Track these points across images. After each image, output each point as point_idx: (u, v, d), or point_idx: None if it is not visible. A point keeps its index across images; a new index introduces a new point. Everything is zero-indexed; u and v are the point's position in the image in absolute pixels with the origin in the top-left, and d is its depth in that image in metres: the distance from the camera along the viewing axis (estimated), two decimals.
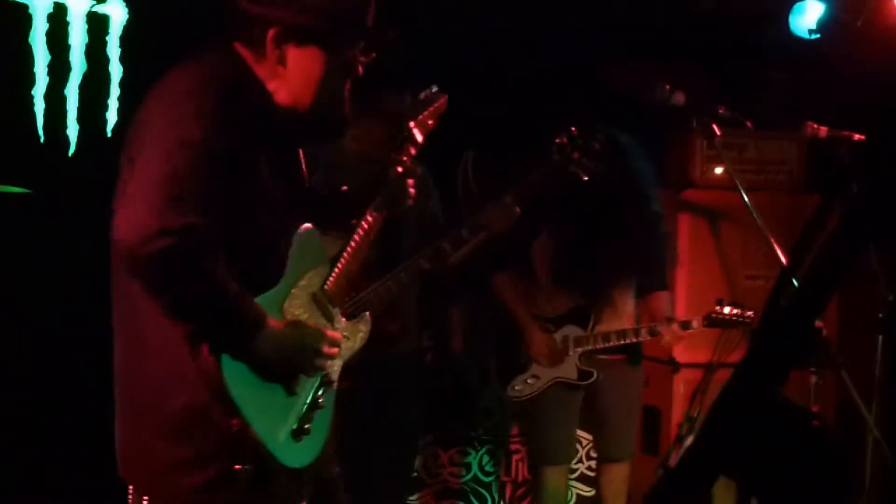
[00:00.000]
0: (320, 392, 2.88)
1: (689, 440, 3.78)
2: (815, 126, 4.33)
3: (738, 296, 5.07)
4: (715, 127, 4.24)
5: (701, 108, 4.31)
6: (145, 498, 2.76)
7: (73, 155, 4.58)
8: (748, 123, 4.24)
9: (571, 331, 4.67)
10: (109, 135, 4.57)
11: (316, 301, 2.92)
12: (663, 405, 5.33)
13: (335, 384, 2.96)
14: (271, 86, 2.81)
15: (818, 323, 3.03)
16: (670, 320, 4.69)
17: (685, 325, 4.69)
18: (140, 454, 2.75)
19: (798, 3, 4.96)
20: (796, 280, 1.43)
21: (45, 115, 4.44)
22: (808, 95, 5.67)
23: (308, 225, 2.91)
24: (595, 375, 4.68)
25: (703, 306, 4.93)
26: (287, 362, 2.75)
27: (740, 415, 1.33)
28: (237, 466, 2.65)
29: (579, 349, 4.64)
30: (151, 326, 2.65)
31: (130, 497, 2.80)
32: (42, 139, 4.48)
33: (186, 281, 2.55)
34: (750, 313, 4.57)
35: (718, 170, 5.25)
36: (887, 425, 4.50)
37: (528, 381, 4.66)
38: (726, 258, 5.17)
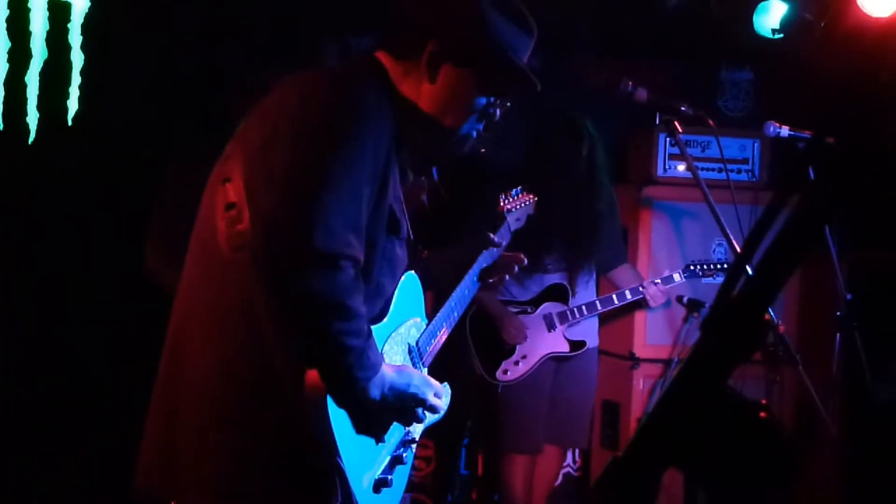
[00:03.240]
0: (403, 448, 2.82)
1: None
2: (777, 125, 4.35)
3: (700, 293, 5.12)
4: (677, 124, 4.26)
5: (663, 104, 4.33)
6: None
7: (32, 143, 4.52)
8: (710, 121, 4.26)
9: (553, 307, 4.72)
10: (70, 123, 4.52)
11: (410, 353, 2.87)
12: (622, 400, 5.34)
13: (415, 446, 2.89)
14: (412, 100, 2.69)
15: (769, 317, 3.08)
16: (650, 282, 4.83)
17: (667, 280, 4.85)
18: (206, 470, 2.56)
19: (762, 3, 4.97)
20: (748, 272, 1.42)
21: (5, 103, 4.38)
22: (770, 94, 5.70)
23: (412, 271, 2.87)
24: (587, 343, 4.73)
25: (666, 301, 4.97)
26: (391, 408, 2.63)
27: (687, 405, 1.33)
28: None
29: (565, 324, 4.69)
30: (269, 347, 2.50)
31: None
32: (1, 127, 4.43)
33: (335, 316, 2.42)
34: (728, 263, 4.79)
35: (680, 167, 5.26)
36: (845, 422, 4.52)
37: (517, 362, 4.65)
38: (688, 255, 5.19)
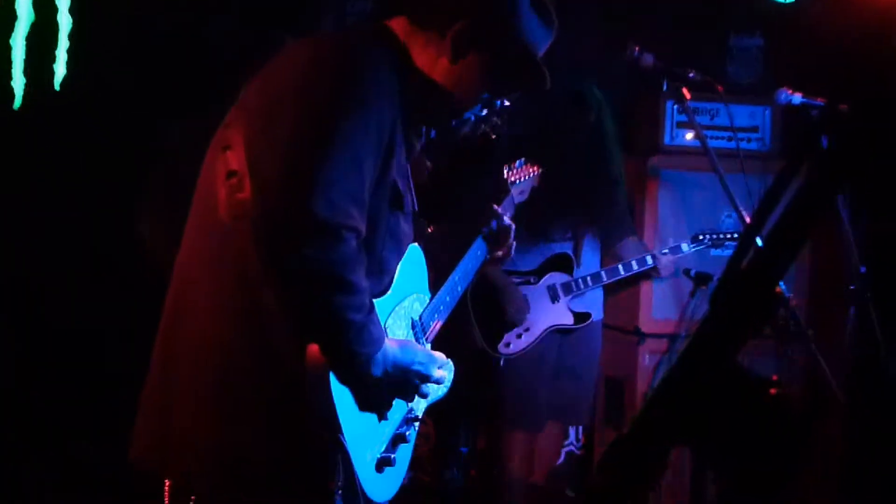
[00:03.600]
0: (405, 426, 2.83)
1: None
2: (790, 91, 4.33)
3: (708, 265, 5.10)
4: (685, 91, 4.23)
5: (671, 70, 4.31)
6: (192, 497, 2.63)
7: (18, 108, 4.50)
8: (719, 88, 4.23)
9: (556, 278, 4.71)
10: (57, 88, 4.50)
11: (413, 328, 2.87)
12: (627, 376, 5.34)
13: (418, 424, 2.89)
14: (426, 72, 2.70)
15: (779, 290, 3.07)
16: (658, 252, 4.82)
17: (675, 250, 4.84)
18: (204, 443, 2.57)
19: None
20: (757, 243, 1.41)
21: None
22: (781, 61, 5.66)
23: (416, 244, 2.87)
24: (592, 316, 4.72)
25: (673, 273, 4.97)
26: (394, 385, 2.65)
27: (695, 381, 1.32)
28: (331, 484, 2.53)
29: (569, 295, 4.67)
30: (269, 318, 2.51)
31: (168, 495, 2.70)
32: None
33: (336, 289, 2.43)
34: (738, 233, 4.79)
35: (688, 135, 5.24)
36: (857, 398, 4.52)
37: (520, 335, 4.64)
38: (696, 227, 5.17)
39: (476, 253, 3.32)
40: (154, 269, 2.80)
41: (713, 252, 5.07)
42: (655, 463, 1.36)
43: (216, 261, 2.60)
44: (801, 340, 4.38)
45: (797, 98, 4.32)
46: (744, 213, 4.04)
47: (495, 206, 3.35)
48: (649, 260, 4.79)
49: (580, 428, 5.57)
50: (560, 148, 4.56)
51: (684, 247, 4.87)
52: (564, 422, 4.97)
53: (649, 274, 4.90)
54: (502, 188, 3.65)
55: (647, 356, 5.32)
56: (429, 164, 4.17)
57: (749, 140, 5.33)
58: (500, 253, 3.33)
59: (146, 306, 2.78)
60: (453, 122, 2.82)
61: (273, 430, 2.54)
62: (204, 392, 2.57)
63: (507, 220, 3.29)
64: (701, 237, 4.90)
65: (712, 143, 4.43)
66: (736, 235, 4.92)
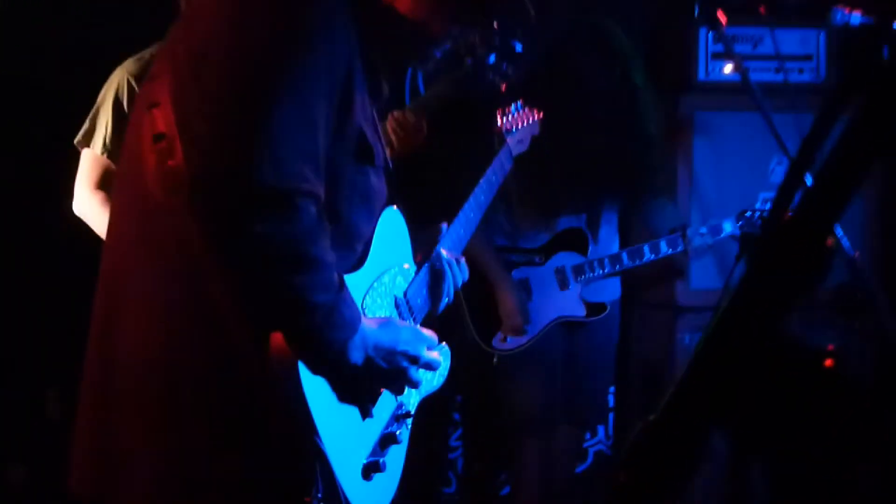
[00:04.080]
0: (395, 424, 2.82)
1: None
2: (846, 10, 4.31)
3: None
4: (721, 14, 4.21)
5: None
6: None
7: None
8: (762, 9, 4.22)
9: (567, 259, 4.66)
10: None
11: (398, 307, 2.86)
12: (663, 359, 5.34)
13: (411, 419, 2.89)
14: None
15: (833, 241, 3.03)
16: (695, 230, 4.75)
17: (715, 230, 4.78)
18: (153, 467, 2.54)
19: None
20: (806, 184, 1.40)
21: None
22: None
23: (394, 206, 2.85)
24: (608, 308, 4.68)
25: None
26: (378, 373, 2.62)
27: (734, 353, 1.31)
28: (307, 499, 2.53)
29: (581, 278, 4.63)
30: (220, 309, 2.48)
31: None
32: None
33: (295, 269, 2.40)
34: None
35: (727, 68, 5.22)
36: None
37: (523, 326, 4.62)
38: (738, 177, 5.16)
39: (469, 216, 3.32)
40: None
41: (763, 208, 5.05)
42: (690, 454, 1.35)
43: (151, 245, 2.57)
44: (866, 305, 4.36)
45: (856, 17, 4.29)
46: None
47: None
48: (683, 239, 4.72)
49: (610, 423, 5.58)
50: (577, 102, 4.54)
51: (727, 226, 4.80)
52: (583, 422, 4.95)
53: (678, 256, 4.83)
54: (496, 138, 3.64)
55: (688, 335, 5.31)
56: (424, 125, 4.18)
57: (800, 71, 5.31)
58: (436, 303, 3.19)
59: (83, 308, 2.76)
60: (435, 54, 2.80)
61: (234, 441, 2.52)
62: (149, 403, 2.55)
63: (444, 256, 3.16)
64: (748, 214, 4.80)
65: (755, 77, 4.39)
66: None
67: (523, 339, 4.59)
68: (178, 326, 2.54)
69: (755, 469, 1.37)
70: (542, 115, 3.88)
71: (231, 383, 2.51)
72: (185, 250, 2.51)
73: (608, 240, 4.77)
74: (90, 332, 2.69)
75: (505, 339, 4.58)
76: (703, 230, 4.79)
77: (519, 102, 3.81)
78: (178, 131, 2.49)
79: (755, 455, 1.37)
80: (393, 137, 4.12)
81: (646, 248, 4.73)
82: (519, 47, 3.94)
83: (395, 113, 4.23)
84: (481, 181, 3.48)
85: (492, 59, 3.94)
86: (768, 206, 4.88)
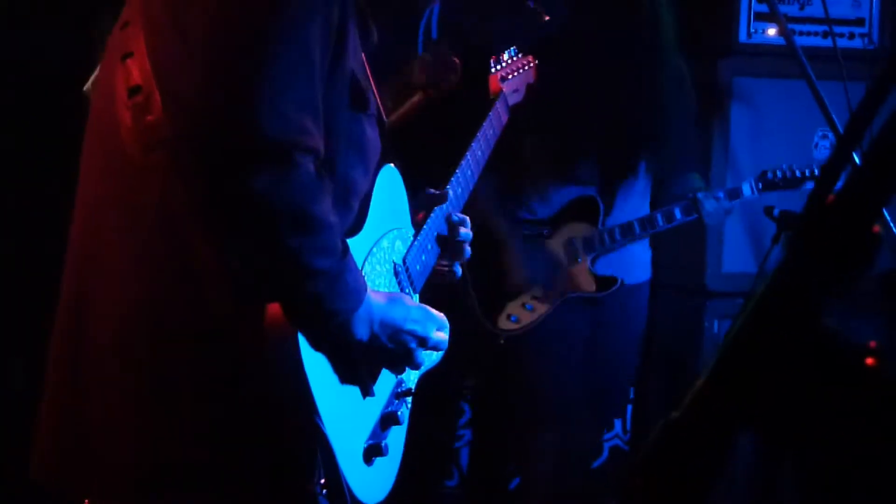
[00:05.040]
0: (396, 403, 2.83)
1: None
2: None
3: (794, 199, 5.07)
4: None
5: None
6: None
7: None
8: None
9: (576, 230, 4.65)
10: None
11: (397, 275, 2.87)
12: (691, 349, 5.34)
13: (412, 397, 2.90)
14: None
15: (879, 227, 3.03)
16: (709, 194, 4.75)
17: (732, 194, 4.77)
18: (130, 454, 2.53)
19: None
20: (852, 163, 1.39)
21: None
22: None
23: (391, 164, 2.85)
24: (619, 283, 4.66)
25: (750, 213, 4.94)
26: (381, 351, 2.63)
27: (767, 345, 1.31)
28: (308, 486, 2.54)
29: (592, 252, 4.64)
30: (206, 277, 2.48)
31: None
32: None
33: (296, 230, 2.38)
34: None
35: (770, 30, 5.21)
36: None
37: (527, 305, 4.61)
38: (778, 151, 5.15)
39: (466, 173, 3.31)
40: None
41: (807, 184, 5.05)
42: (716, 455, 1.35)
43: (128, 206, 2.56)
44: None
45: None
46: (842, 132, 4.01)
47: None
48: (699, 205, 4.70)
49: (628, 417, 5.59)
50: (595, 52, 4.52)
51: (746, 189, 4.79)
52: (602, 415, 4.95)
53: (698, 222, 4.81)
54: (491, 88, 3.63)
55: (717, 322, 5.32)
56: (457, 59, 4.17)
57: (851, 36, 5.30)
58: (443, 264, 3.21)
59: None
60: None
61: (224, 425, 2.51)
62: (127, 385, 2.54)
63: (458, 220, 3.18)
64: (770, 175, 4.81)
65: (802, 41, 4.39)
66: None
67: (532, 318, 4.57)
68: (161, 296, 2.53)
69: (785, 473, 1.36)
70: (536, 61, 3.87)
71: (221, 358, 2.51)
72: (166, 211, 2.50)
73: (629, 207, 4.73)
74: (59, 308, 2.68)
75: (510, 318, 4.57)
76: (720, 194, 4.78)
77: (513, 48, 3.79)
78: (156, 84, 2.48)
79: (785, 458, 1.37)
80: (423, 77, 4.10)
81: (658, 217, 4.71)
82: None
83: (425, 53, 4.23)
84: (477, 135, 3.48)
85: None
86: (790, 172, 4.85)
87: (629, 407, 5.60)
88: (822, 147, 5.24)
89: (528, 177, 4.63)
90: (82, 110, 3.24)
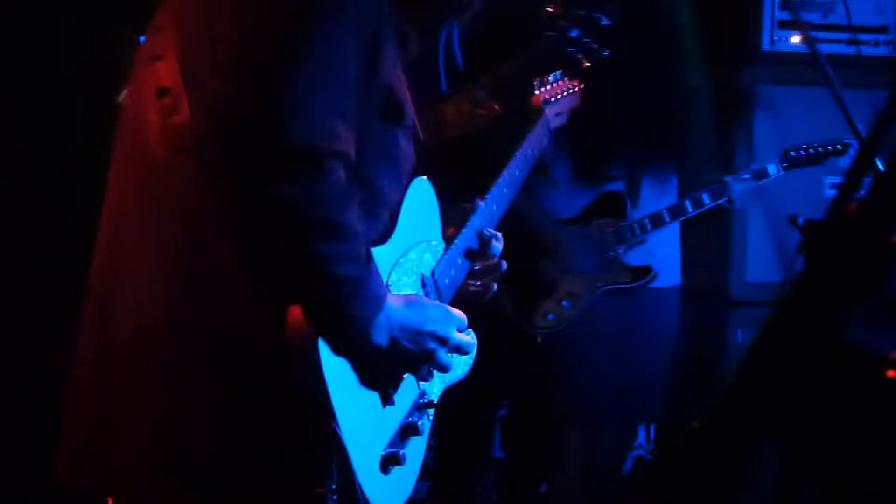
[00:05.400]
0: (417, 414, 2.83)
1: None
2: None
3: (819, 208, 5.06)
4: None
5: None
6: None
7: None
8: None
9: (605, 225, 4.65)
10: None
11: (424, 286, 2.87)
12: (715, 358, 5.33)
13: (434, 410, 2.90)
14: None
15: None
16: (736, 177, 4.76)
17: (759, 174, 4.78)
18: (154, 454, 2.55)
19: None
20: (875, 171, 1.39)
21: None
22: None
23: (424, 177, 2.86)
24: (654, 273, 4.66)
25: (774, 222, 4.93)
26: (402, 355, 2.63)
27: (788, 357, 1.31)
28: (319, 490, 2.53)
29: (622, 246, 4.63)
30: (229, 280, 2.49)
31: None
32: None
33: (322, 236, 2.39)
34: (847, 141, 4.67)
35: (794, 38, 5.20)
36: None
37: (563, 301, 4.60)
38: None
39: (502, 191, 3.32)
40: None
41: (828, 193, 5.04)
42: (737, 467, 1.35)
43: (153, 207, 2.58)
44: None
45: None
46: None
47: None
48: (725, 190, 4.71)
49: (652, 426, 5.58)
50: (615, 48, 4.52)
51: (771, 168, 4.77)
52: (632, 418, 4.95)
53: (723, 209, 4.79)
54: (532, 111, 3.64)
55: (741, 331, 5.31)
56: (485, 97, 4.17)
57: (875, 43, 5.29)
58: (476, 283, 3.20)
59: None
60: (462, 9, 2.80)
61: (243, 427, 2.52)
62: (151, 387, 2.55)
63: (490, 236, 3.17)
64: (793, 153, 4.80)
65: (826, 49, 4.37)
66: (842, 146, 4.81)
67: (568, 315, 4.56)
68: (184, 296, 2.54)
69: (808, 485, 1.37)
70: (582, 85, 3.87)
71: (241, 360, 2.52)
72: (190, 213, 2.51)
73: (656, 199, 4.73)
74: (83, 308, 2.69)
75: (546, 316, 4.56)
76: (746, 175, 4.78)
77: (558, 72, 3.80)
78: (185, 85, 2.50)
79: (809, 470, 1.37)
80: (455, 119, 4.12)
81: (687, 203, 4.68)
82: (605, 20, 3.95)
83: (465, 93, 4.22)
84: (516, 155, 3.48)
85: (574, 32, 3.95)
86: (813, 149, 4.83)
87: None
88: (846, 155, 5.19)
89: (551, 179, 4.64)
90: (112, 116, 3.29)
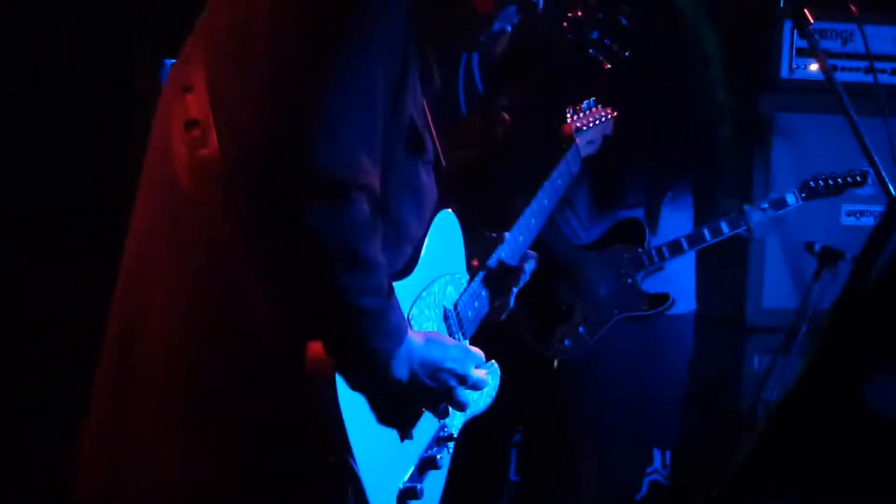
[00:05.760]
0: (436, 448, 2.84)
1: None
2: None
3: (836, 235, 5.07)
4: (807, 12, 4.20)
5: None
6: None
7: None
8: (853, 7, 4.20)
9: (622, 252, 4.65)
10: None
11: (447, 320, 2.88)
12: (730, 383, 5.33)
13: (454, 443, 2.91)
14: None
15: None
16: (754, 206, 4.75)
17: (778, 205, 4.78)
18: (174, 482, 2.57)
19: None
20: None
21: None
22: None
23: (448, 209, 2.87)
24: (671, 300, 4.67)
25: (791, 249, 4.91)
26: (421, 390, 2.64)
27: (811, 421, 1.33)
28: None
29: (640, 273, 4.64)
30: (251, 310, 2.51)
31: None
32: None
33: (345, 267, 2.40)
34: (865, 171, 4.65)
35: (813, 66, 5.20)
36: None
37: (579, 327, 4.61)
38: None
39: (530, 222, 3.32)
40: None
41: (845, 221, 5.04)
42: None
43: (177, 240, 2.60)
44: None
45: None
46: (883, 171, 3.98)
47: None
48: (744, 220, 4.71)
49: (667, 452, 5.57)
50: (637, 68, 4.52)
51: (790, 199, 4.79)
52: (647, 442, 4.95)
53: (740, 238, 4.78)
54: (564, 139, 3.64)
55: (757, 357, 5.31)
56: (506, 116, 4.18)
57: (893, 72, 5.29)
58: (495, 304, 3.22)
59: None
60: (482, 38, 2.81)
61: (262, 461, 2.54)
62: (169, 414, 2.58)
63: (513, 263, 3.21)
64: (813, 183, 4.81)
65: (844, 77, 4.38)
66: (863, 175, 4.81)
67: (585, 341, 4.56)
68: (206, 327, 2.56)
69: None
70: (615, 113, 3.87)
71: (260, 394, 2.53)
72: (215, 245, 2.53)
73: (675, 226, 4.74)
74: (106, 334, 2.71)
75: (563, 341, 4.57)
76: (764, 205, 4.79)
77: (592, 99, 3.80)
78: (214, 118, 2.52)
79: None
80: (473, 135, 4.13)
81: (706, 232, 4.69)
82: (625, 21, 3.95)
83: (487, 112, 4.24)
84: (545, 184, 3.49)
85: (595, 34, 3.95)
86: (832, 180, 4.85)
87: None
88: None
89: (568, 204, 4.64)
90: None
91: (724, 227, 4.71)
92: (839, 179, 4.83)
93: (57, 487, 2.80)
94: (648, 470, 5.51)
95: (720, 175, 4.94)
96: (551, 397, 4.70)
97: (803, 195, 4.80)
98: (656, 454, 5.57)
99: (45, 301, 4.28)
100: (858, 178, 4.82)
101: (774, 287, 5.30)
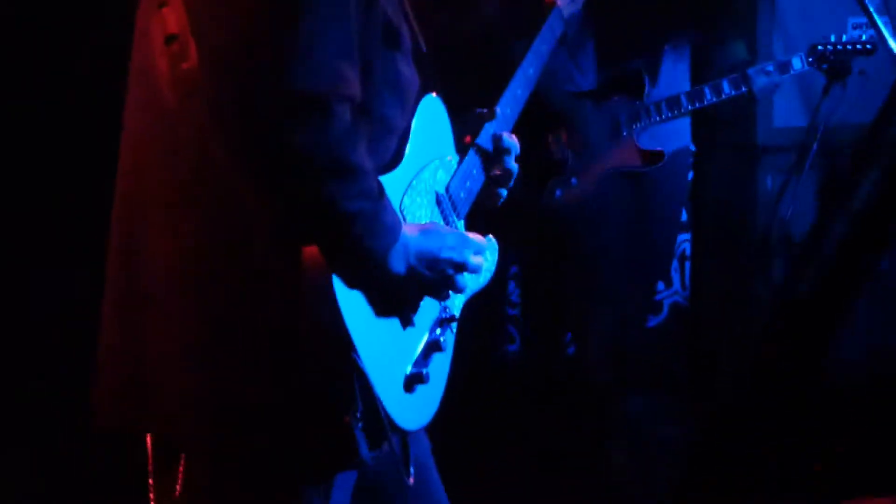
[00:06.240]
0: (439, 330, 2.87)
1: None
2: None
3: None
4: None
5: None
6: (182, 455, 2.69)
7: None
8: None
9: (620, 104, 4.63)
10: None
11: (440, 204, 2.90)
12: (744, 206, 5.37)
13: (456, 323, 2.94)
14: None
15: None
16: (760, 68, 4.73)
17: (783, 68, 4.76)
18: (187, 389, 2.61)
19: None
20: None
21: None
22: None
23: (433, 94, 2.86)
24: (665, 156, 4.65)
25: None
26: (420, 282, 2.67)
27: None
28: (346, 419, 2.57)
29: (636, 125, 4.61)
30: (248, 220, 2.53)
31: (151, 453, 2.76)
32: None
33: (333, 177, 2.41)
34: (875, 40, 4.66)
35: None
36: None
37: (572, 180, 4.61)
38: (825, 3, 5.10)
39: (515, 93, 3.30)
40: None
41: (851, 33, 5.01)
42: None
43: (168, 150, 2.61)
44: None
45: None
46: (881, 22, 3.86)
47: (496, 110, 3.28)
48: (746, 80, 4.66)
49: (686, 273, 5.61)
50: None
51: (796, 63, 4.75)
52: (647, 277, 4.99)
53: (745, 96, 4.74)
54: (544, 6, 3.60)
55: (770, 177, 5.33)
56: None
57: None
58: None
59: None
60: None
61: (267, 362, 2.59)
62: (180, 329, 2.62)
63: (507, 140, 3.14)
64: (821, 48, 4.79)
65: None
66: (873, 44, 4.77)
67: (575, 193, 4.58)
68: (201, 240, 2.59)
69: None
70: None
71: (262, 301, 2.57)
72: (205, 158, 2.53)
73: (675, 80, 4.75)
74: (108, 255, 2.75)
75: (554, 194, 4.59)
76: (769, 68, 4.74)
77: None
78: (191, 33, 2.50)
79: None
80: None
81: (706, 90, 4.66)
82: None
83: None
84: (528, 53, 3.44)
85: None
86: (840, 45, 4.83)
87: (687, 263, 5.63)
88: (854, 37, 5.09)
89: (573, 50, 4.62)
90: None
91: (726, 86, 4.67)
92: (849, 46, 4.81)
93: (57, 486, 2.84)
94: (668, 292, 5.57)
95: (726, 25, 4.90)
96: (550, 247, 4.73)
97: (810, 59, 4.78)
98: (675, 276, 5.61)
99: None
100: (869, 46, 4.79)
101: (784, 105, 5.29)
